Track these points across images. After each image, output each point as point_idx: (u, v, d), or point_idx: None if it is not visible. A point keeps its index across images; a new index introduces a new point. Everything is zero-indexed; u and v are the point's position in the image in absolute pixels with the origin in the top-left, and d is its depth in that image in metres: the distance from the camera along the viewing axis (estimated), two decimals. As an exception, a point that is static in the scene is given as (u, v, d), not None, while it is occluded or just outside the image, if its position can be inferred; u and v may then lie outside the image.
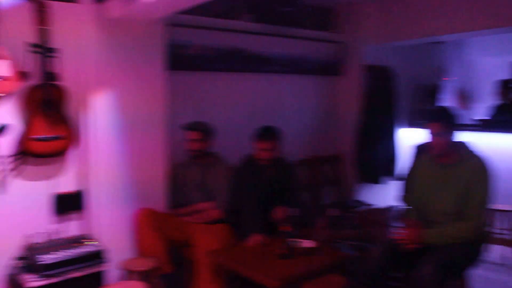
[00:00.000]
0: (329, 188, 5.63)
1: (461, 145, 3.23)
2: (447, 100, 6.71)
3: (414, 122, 5.88)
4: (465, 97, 6.89)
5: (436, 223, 3.18)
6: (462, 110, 6.79)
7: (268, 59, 5.01)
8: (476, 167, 3.11)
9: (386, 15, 5.42)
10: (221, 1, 4.23)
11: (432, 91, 6.33)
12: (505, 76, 6.60)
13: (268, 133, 3.89)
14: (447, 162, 3.18)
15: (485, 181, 3.10)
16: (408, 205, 3.44)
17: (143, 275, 3.47)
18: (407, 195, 3.47)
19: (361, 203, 5.28)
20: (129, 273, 3.50)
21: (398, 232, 3.15)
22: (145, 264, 3.53)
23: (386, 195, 5.51)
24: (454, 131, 3.16)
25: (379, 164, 5.58)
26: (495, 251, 5.02)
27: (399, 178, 5.02)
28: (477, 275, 4.10)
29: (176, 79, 4.25)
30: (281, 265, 3.11)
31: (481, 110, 6.63)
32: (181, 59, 4.33)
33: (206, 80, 4.63)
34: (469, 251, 3.14)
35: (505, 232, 4.92)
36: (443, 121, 3.14)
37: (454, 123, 3.18)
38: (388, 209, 4.65)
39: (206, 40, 4.51)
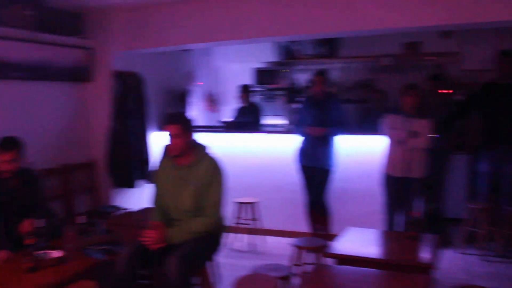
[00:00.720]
0: (83, 195, 5.52)
1: (198, 146, 3.52)
2: (197, 104, 7.14)
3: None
4: (213, 100, 7.37)
5: (178, 221, 3.42)
6: (211, 113, 7.28)
7: (11, 65, 4.64)
8: (210, 167, 3.42)
9: (136, 23, 5.48)
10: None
11: (182, 96, 6.64)
12: (246, 81, 7.31)
13: (8, 144, 3.65)
14: (185, 163, 3.43)
15: (219, 180, 3.43)
16: (155, 206, 3.61)
17: None
18: (154, 196, 3.64)
19: (116, 208, 5.29)
20: None
21: (144, 233, 3.29)
22: None
23: (141, 198, 5.63)
24: (190, 133, 3.42)
25: (133, 168, 5.63)
26: (242, 240, 5.57)
27: (151, 181, 5.19)
28: (225, 263, 4.50)
29: None
30: (28, 278, 2.99)
31: (227, 113, 7.22)
32: None
33: None
34: (209, 243, 3.46)
35: (249, 221, 5.48)
36: (179, 123, 3.36)
37: (190, 125, 3.43)
38: (141, 212, 4.78)
39: None
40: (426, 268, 3.24)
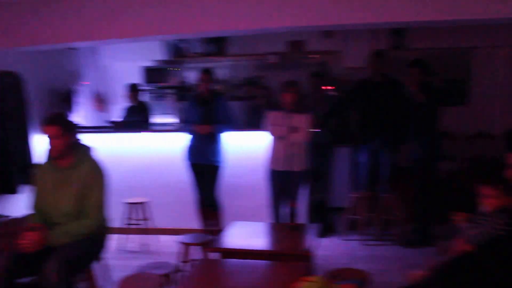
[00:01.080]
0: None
1: (81, 147, 3.46)
2: (84, 104, 6.92)
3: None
4: (101, 100, 7.18)
5: (59, 224, 3.33)
6: (98, 112, 7.09)
7: None
8: (91, 169, 3.39)
9: (13, 19, 5.14)
10: None
11: (67, 96, 6.39)
12: (134, 80, 7.20)
13: None
14: (65, 165, 3.36)
15: (100, 182, 3.40)
16: (34, 210, 3.49)
17: None
18: (33, 199, 3.53)
19: (-3, 216, 5.02)
20: None
21: (22, 237, 3.17)
22: None
23: (24, 203, 5.37)
24: (71, 134, 3.36)
25: (14, 172, 5.35)
26: (134, 240, 5.51)
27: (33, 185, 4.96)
28: (117, 264, 4.44)
29: None
30: None
31: (115, 112, 7.07)
32: None
33: None
34: (92, 245, 3.42)
35: (140, 222, 5.44)
36: (58, 124, 3.29)
37: (70, 126, 3.38)
38: (23, 218, 4.58)
39: None
40: (306, 256, 3.44)
